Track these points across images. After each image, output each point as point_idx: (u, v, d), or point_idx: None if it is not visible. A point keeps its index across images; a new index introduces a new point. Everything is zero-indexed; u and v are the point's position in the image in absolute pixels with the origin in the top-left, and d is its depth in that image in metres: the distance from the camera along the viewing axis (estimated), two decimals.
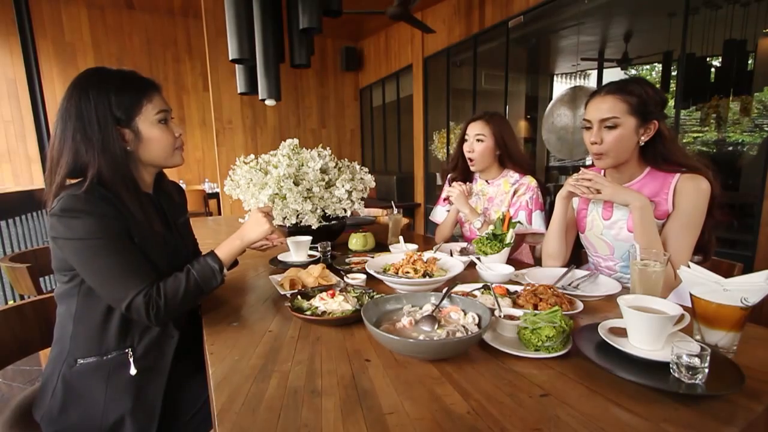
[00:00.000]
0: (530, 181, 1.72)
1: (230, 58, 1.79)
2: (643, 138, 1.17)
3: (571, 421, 0.59)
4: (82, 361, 0.91)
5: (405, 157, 5.69)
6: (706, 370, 0.64)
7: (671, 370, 0.67)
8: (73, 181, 0.91)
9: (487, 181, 1.83)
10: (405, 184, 5.34)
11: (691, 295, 0.81)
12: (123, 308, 0.87)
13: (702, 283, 0.79)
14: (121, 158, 0.91)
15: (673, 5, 2.83)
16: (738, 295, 0.75)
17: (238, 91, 2.03)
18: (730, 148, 4.42)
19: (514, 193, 1.73)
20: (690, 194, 1.13)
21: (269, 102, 1.91)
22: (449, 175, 1.95)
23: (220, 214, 5.02)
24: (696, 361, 0.64)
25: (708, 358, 0.64)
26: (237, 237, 1.06)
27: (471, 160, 1.76)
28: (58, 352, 0.94)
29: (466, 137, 1.77)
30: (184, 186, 5.14)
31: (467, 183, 1.81)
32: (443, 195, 1.88)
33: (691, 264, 0.84)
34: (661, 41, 4.21)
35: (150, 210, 0.97)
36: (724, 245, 2.78)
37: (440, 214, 1.99)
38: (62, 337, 0.94)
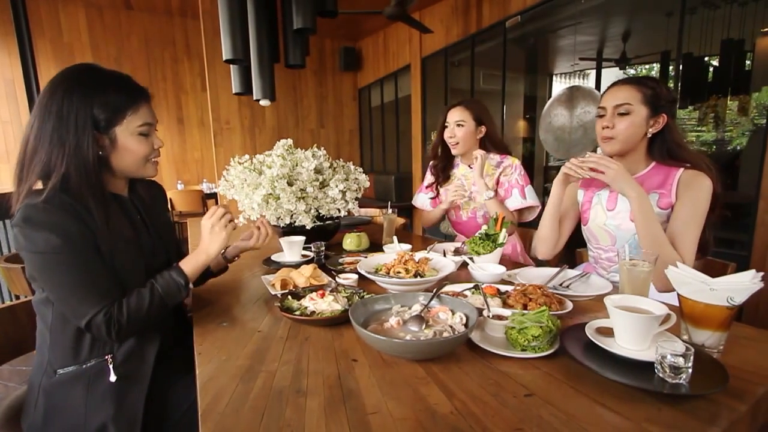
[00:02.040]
0: (513, 161, 1.82)
1: (224, 59, 1.79)
2: (651, 130, 1.22)
3: (553, 420, 0.59)
4: (61, 371, 0.90)
5: (403, 157, 5.69)
6: (690, 370, 0.64)
7: (656, 370, 0.67)
8: (38, 188, 0.88)
9: (469, 165, 1.90)
10: (403, 184, 5.34)
11: (678, 294, 0.81)
12: (82, 325, 0.84)
13: (689, 282, 0.79)
14: (92, 164, 0.87)
15: (671, 5, 2.82)
16: (724, 294, 0.74)
17: (233, 92, 2.04)
18: (729, 148, 4.42)
19: (500, 175, 1.82)
20: (693, 189, 1.16)
21: (264, 102, 1.90)
22: (431, 162, 2.03)
23: None
24: (680, 360, 0.64)
25: (692, 357, 0.64)
26: (202, 252, 1.02)
27: (454, 145, 1.83)
28: (39, 362, 0.93)
29: (447, 124, 1.84)
30: (181, 186, 5.15)
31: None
32: (425, 183, 2.04)
33: (678, 264, 0.84)
34: (659, 41, 4.22)
35: (119, 214, 0.94)
36: (721, 245, 2.78)
37: (422, 200, 2.07)
38: (41, 346, 0.93)
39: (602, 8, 3.95)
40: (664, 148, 1.23)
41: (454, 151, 1.87)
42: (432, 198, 2.02)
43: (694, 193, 1.15)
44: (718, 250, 2.57)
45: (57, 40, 4.62)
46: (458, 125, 1.81)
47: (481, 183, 1.74)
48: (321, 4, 1.82)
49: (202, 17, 4.31)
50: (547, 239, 1.39)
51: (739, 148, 4.20)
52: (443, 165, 1.96)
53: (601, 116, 1.27)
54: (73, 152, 0.85)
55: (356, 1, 4.19)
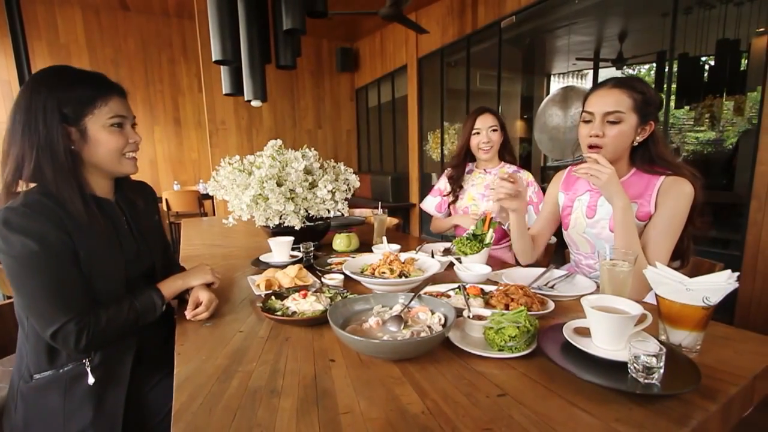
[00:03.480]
0: (528, 176, 1.85)
1: (213, 60, 1.79)
2: (638, 138, 1.15)
3: (523, 420, 0.59)
4: (37, 377, 0.90)
5: (400, 157, 5.69)
6: (662, 370, 0.64)
7: (629, 370, 0.67)
8: (23, 188, 0.89)
9: (485, 170, 1.92)
10: (400, 185, 5.34)
11: (656, 294, 0.81)
12: (48, 334, 0.83)
13: (666, 283, 0.79)
14: (63, 155, 0.87)
15: (666, 5, 2.82)
16: (700, 294, 0.75)
17: (224, 92, 2.04)
18: (725, 148, 4.42)
19: None
20: (672, 197, 1.11)
21: (255, 103, 1.91)
22: (450, 172, 2.00)
23: (214, 214, 5.02)
24: (652, 360, 0.64)
25: (663, 357, 0.64)
26: (180, 278, 1.07)
27: (487, 150, 1.84)
28: (18, 365, 0.93)
29: (477, 130, 1.83)
30: (177, 187, 5.16)
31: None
32: (438, 186, 2.04)
33: (657, 264, 0.84)
34: (655, 41, 4.22)
35: (102, 218, 0.94)
36: (717, 245, 2.78)
37: (430, 203, 2.07)
38: (21, 349, 0.93)
39: (598, 8, 3.96)
40: (647, 156, 1.17)
41: (485, 157, 1.86)
42: (439, 203, 2.03)
43: (673, 200, 1.11)
44: (713, 250, 2.58)
45: (54, 42, 4.63)
46: (493, 130, 1.82)
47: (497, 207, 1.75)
48: (311, 5, 1.82)
49: (197, 18, 4.32)
50: (524, 252, 1.38)
51: (735, 148, 4.21)
52: (458, 174, 1.96)
53: (587, 121, 1.17)
54: (44, 143, 0.86)
55: (352, 2, 4.19)
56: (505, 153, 1.90)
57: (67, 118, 0.88)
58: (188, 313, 1.00)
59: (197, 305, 1.02)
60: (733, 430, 0.80)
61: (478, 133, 1.84)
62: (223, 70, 2.03)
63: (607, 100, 1.13)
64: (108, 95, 0.92)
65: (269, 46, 1.97)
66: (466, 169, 1.98)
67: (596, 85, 1.20)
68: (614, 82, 1.15)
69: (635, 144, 1.17)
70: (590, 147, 1.17)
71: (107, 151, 0.93)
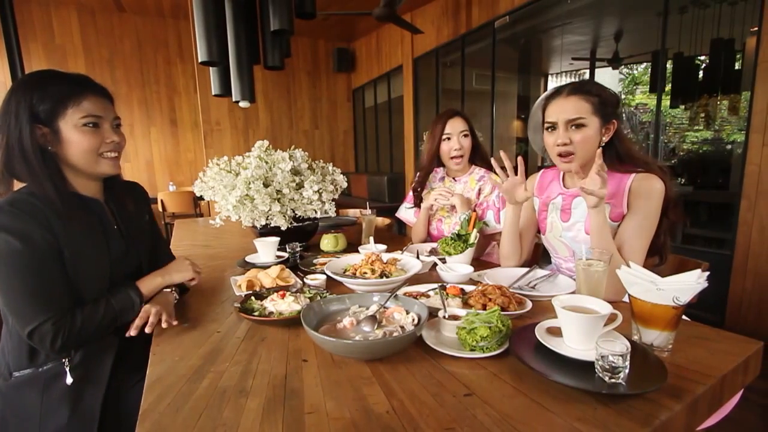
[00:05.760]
0: (497, 180, 1.72)
1: (199, 61, 1.80)
2: (604, 138, 1.16)
3: (486, 420, 0.60)
4: (17, 374, 0.90)
5: (396, 157, 5.70)
6: (627, 369, 0.64)
7: (595, 370, 0.67)
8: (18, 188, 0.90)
9: (454, 178, 1.82)
10: (396, 185, 5.35)
11: (629, 294, 0.81)
12: (26, 333, 0.83)
13: (638, 282, 0.79)
14: (34, 155, 0.88)
15: (662, 5, 2.82)
16: (670, 294, 0.75)
17: (213, 93, 2.05)
18: (721, 147, 4.42)
19: (479, 191, 1.74)
20: (644, 195, 1.11)
21: (243, 104, 1.91)
22: (419, 178, 1.87)
23: (210, 215, 5.03)
24: (618, 360, 0.64)
25: (629, 357, 0.64)
26: (160, 275, 1.07)
27: (458, 158, 1.71)
28: None
29: (448, 135, 1.71)
30: (173, 188, 5.16)
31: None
32: (415, 194, 1.91)
33: (631, 263, 0.84)
34: (651, 41, 4.22)
35: (88, 218, 0.94)
36: (711, 245, 2.78)
37: (407, 212, 1.96)
38: (3, 348, 0.94)
39: (592, 8, 3.96)
40: (614, 154, 1.17)
41: (457, 167, 1.74)
42: (412, 208, 1.92)
43: (644, 199, 1.10)
44: (709, 250, 2.58)
45: (49, 43, 4.63)
46: (464, 135, 1.69)
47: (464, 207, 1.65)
48: (299, 6, 1.82)
49: (192, 19, 4.33)
50: (510, 257, 1.37)
51: (730, 147, 4.21)
52: (421, 180, 1.84)
53: (550, 129, 1.18)
54: (15, 143, 0.87)
55: (348, 2, 4.19)
56: (475, 158, 1.78)
57: (39, 119, 0.89)
58: (132, 331, 0.92)
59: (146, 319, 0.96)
60: (718, 427, 0.80)
61: (448, 139, 1.71)
62: (212, 71, 2.04)
63: (565, 107, 1.14)
64: (81, 95, 0.92)
65: (257, 46, 1.98)
66: (438, 176, 1.86)
67: (552, 94, 1.20)
68: (569, 90, 1.16)
69: (602, 145, 1.16)
70: (560, 156, 1.18)
71: (81, 151, 0.93)
